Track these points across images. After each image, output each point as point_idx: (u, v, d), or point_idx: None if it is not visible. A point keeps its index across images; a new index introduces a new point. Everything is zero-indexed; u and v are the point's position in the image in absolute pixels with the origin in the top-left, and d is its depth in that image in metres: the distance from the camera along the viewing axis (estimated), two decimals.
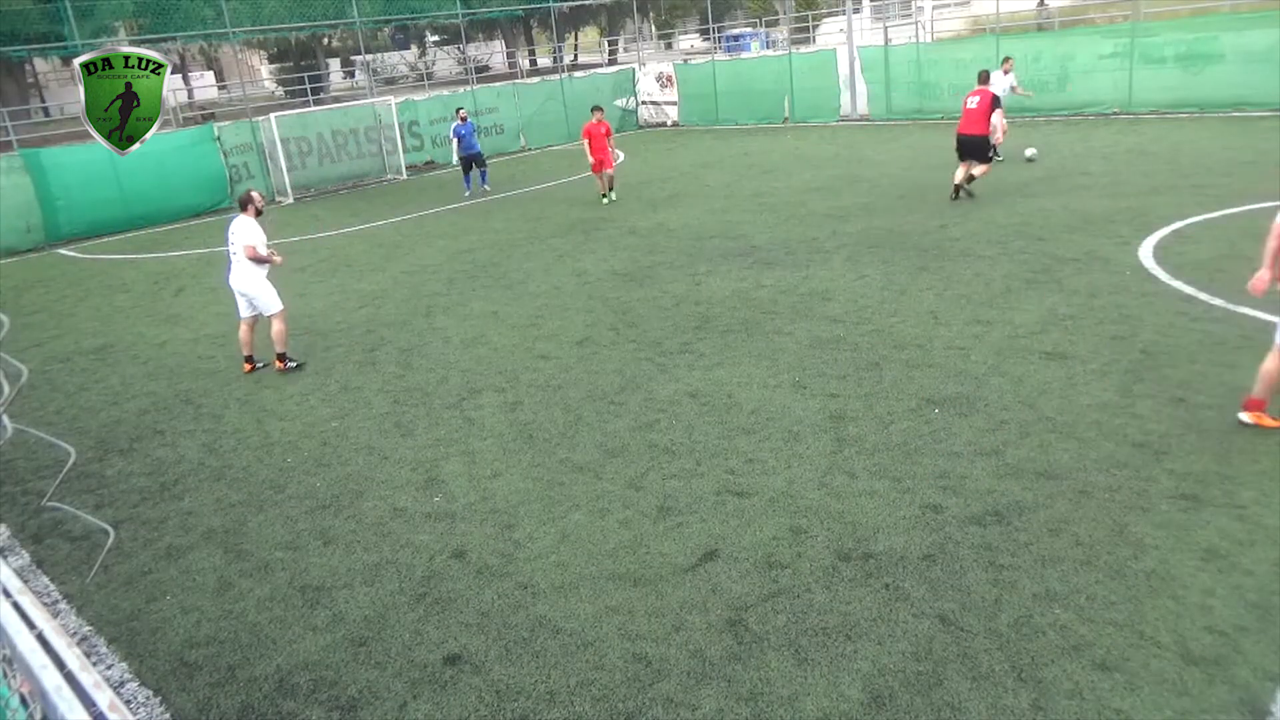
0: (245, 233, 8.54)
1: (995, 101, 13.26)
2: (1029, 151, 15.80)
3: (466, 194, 19.33)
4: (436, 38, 51.57)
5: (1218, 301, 8.05)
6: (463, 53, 36.78)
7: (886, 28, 29.04)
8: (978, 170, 13.54)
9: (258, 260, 8.57)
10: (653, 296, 10.19)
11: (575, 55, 54.66)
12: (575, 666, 4.28)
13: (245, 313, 8.89)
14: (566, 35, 54.03)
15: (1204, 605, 4.21)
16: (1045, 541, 4.83)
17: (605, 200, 16.37)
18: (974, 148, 13.38)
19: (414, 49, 54.32)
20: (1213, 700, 3.66)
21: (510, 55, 43.56)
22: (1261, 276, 5.87)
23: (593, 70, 32.90)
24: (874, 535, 5.06)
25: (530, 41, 51.32)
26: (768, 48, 39.21)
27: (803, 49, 30.52)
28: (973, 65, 23.33)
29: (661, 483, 5.92)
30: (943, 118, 23.34)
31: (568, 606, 4.73)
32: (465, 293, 11.31)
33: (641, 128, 29.78)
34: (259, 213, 8.75)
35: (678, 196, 16.53)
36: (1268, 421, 5.79)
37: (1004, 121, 13.70)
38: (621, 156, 16.01)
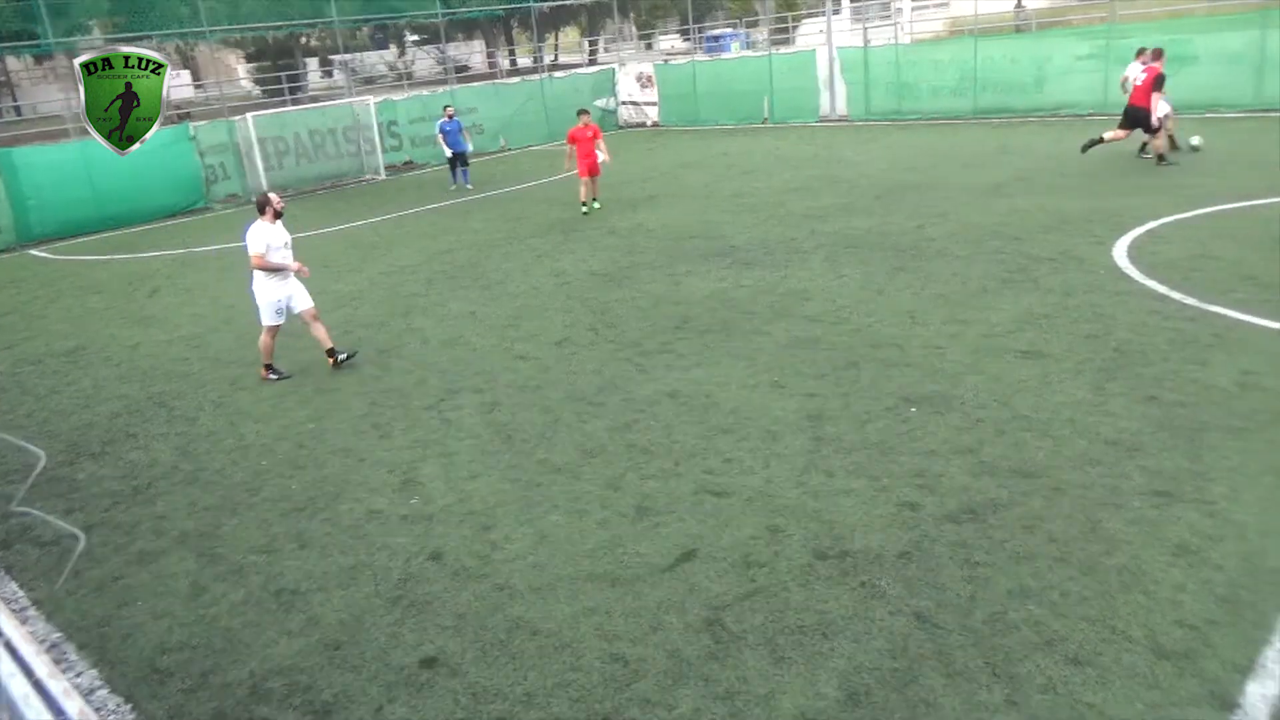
0: (249, 239, 8.27)
1: (1159, 80, 14.17)
2: (1194, 140, 15.67)
3: (452, 187, 19.71)
4: (416, 37, 51.33)
5: (1190, 300, 8.14)
6: (442, 52, 36.65)
7: (866, 29, 29.17)
8: (1154, 143, 14.62)
9: (264, 269, 8.36)
10: (631, 297, 10.19)
11: (556, 55, 54.56)
12: (552, 668, 4.26)
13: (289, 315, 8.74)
14: (547, 35, 53.90)
15: (1174, 600, 4.25)
16: (1020, 538, 4.86)
17: (585, 209, 15.58)
18: (1137, 118, 14.54)
19: (393, 48, 54.02)
20: (1183, 693, 3.70)
21: (490, 55, 43.44)
22: None
23: (573, 70, 32.85)
24: (851, 534, 5.08)
25: (510, 41, 51.18)
26: (748, 48, 39.27)
27: (782, 50, 30.62)
28: (950, 67, 23.59)
29: (640, 483, 5.91)
30: (920, 119, 23.50)
31: (545, 607, 4.72)
32: (444, 293, 11.26)
33: (621, 128, 29.77)
34: (278, 215, 8.40)
35: (657, 197, 16.54)
36: None
37: (1165, 105, 14.60)
38: (604, 157, 15.62)
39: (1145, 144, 15.00)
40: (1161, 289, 8.54)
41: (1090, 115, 20.80)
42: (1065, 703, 3.71)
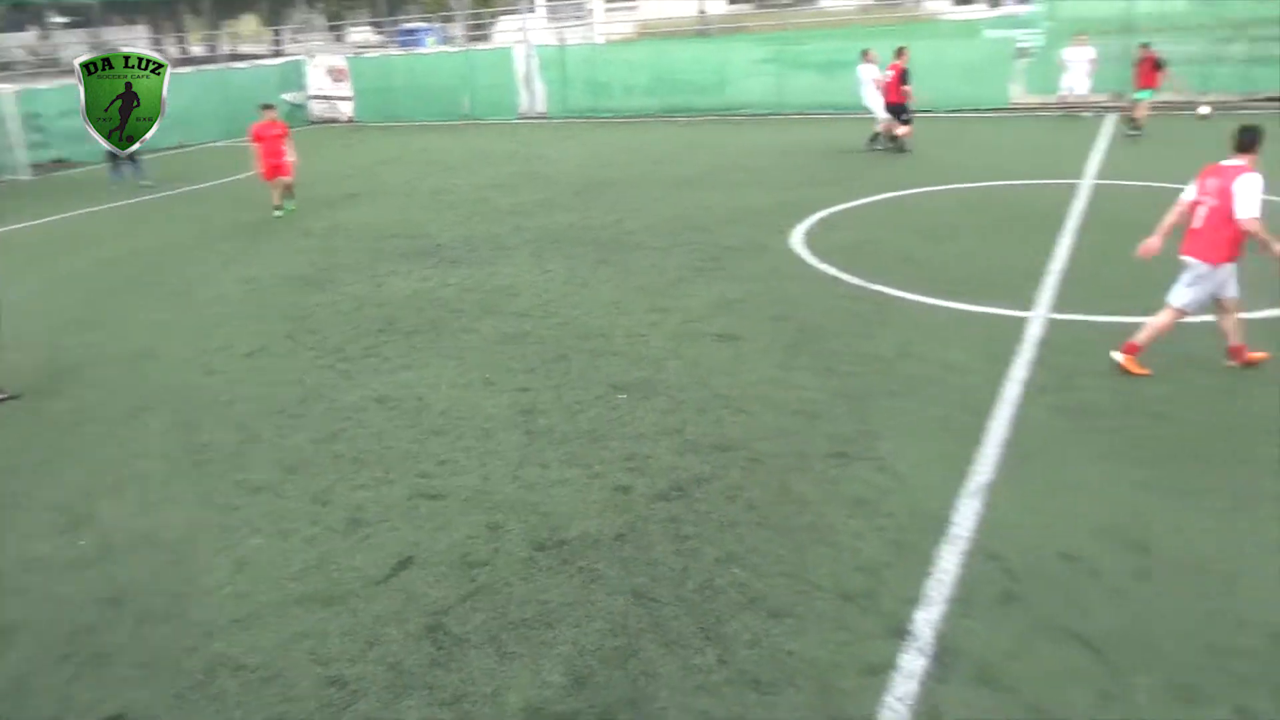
0: None
1: (904, 74, 16.00)
2: (1203, 109, 16.53)
3: (113, 187, 17.53)
4: (63, 19, 45.37)
5: (857, 281, 9.09)
6: (95, 38, 32.69)
7: (561, 28, 29.80)
8: (900, 130, 16.27)
9: None
10: (331, 301, 9.68)
11: (235, 44, 50.57)
12: (261, 703, 3.94)
13: None
14: (223, 23, 49.84)
15: (855, 548, 4.73)
16: (723, 509, 5.18)
17: (279, 212, 14.26)
18: (897, 111, 16.29)
19: (33, 31, 47.39)
20: (866, 629, 4.12)
21: (157, 42, 39.38)
22: (1151, 243, 6.51)
23: (256, 61, 30.64)
24: (568, 522, 5.16)
25: (181, 28, 46.75)
26: (444, 44, 38.72)
27: (480, 46, 30.50)
28: (642, 67, 24.69)
29: (349, 494, 5.63)
30: (615, 116, 24.40)
31: (250, 639, 4.35)
32: (120, 305, 10.06)
33: (313, 123, 28.22)
34: None
35: (356, 196, 15.86)
36: (1136, 368, 6.50)
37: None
38: (290, 157, 14.41)
39: (877, 134, 16.65)
40: (834, 272, 9.47)
41: (768, 115, 22.68)
42: (769, 653, 4.00)
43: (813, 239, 10.83)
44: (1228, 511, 4.84)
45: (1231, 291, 6.32)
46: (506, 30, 36.77)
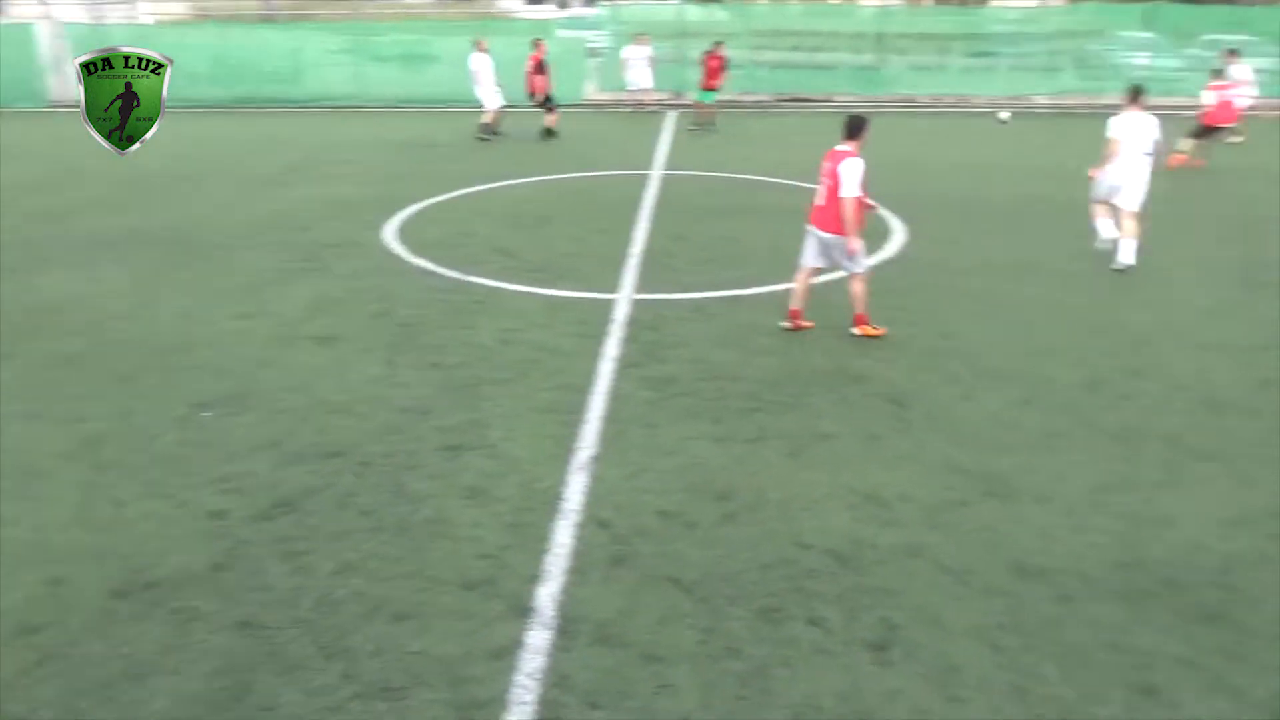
0: None
1: (539, 65, 17.10)
2: (1003, 115, 16.52)
3: None
4: None
5: (453, 274, 9.11)
6: None
7: (99, 5, 26.13)
8: (549, 119, 17.41)
9: None
10: None
11: None
12: None
13: None
14: None
15: (474, 537, 4.75)
16: (336, 518, 4.92)
17: None
18: (543, 101, 17.39)
19: None
20: (491, 614, 4.16)
21: None
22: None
23: None
24: (155, 561, 4.56)
25: None
26: None
27: None
28: (202, 53, 22.49)
29: None
30: (175, 106, 22.02)
31: None
32: None
33: None
34: None
35: None
36: (873, 331, 7.26)
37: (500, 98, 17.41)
38: None
39: (486, 124, 17.05)
40: (430, 265, 9.40)
41: (349, 107, 21.87)
42: (395, 659, 3.88)
43: (407, 234, 10.66)
44: (788, 454, 5.61)
45: (825, 262, 7.31)
46: (25, 4, 31.38)
